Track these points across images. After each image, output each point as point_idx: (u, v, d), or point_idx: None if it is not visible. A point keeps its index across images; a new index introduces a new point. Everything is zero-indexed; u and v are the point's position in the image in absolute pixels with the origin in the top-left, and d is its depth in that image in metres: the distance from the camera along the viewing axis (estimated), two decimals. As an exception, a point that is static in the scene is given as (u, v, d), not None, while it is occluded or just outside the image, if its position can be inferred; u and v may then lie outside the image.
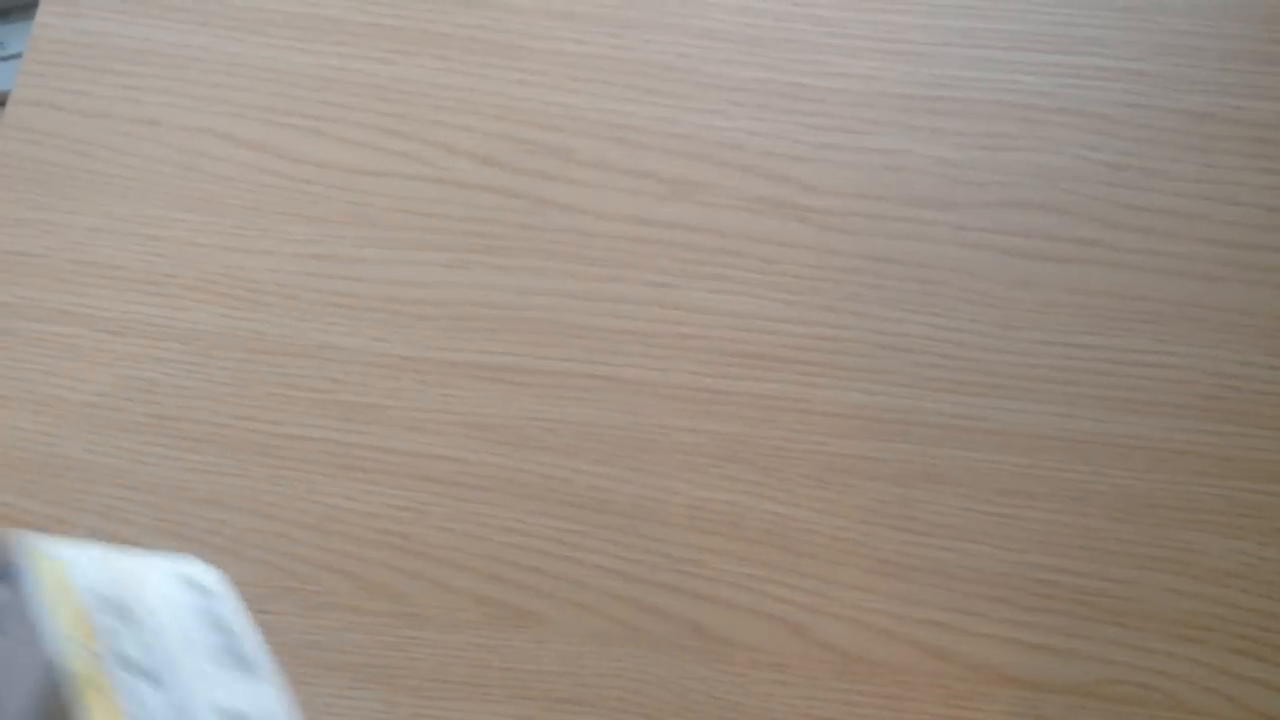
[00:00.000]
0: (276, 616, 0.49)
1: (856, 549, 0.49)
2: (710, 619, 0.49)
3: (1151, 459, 0.50)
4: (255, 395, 0.52)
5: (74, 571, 0.26)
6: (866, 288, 0.53)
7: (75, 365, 0.52)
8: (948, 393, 0.51)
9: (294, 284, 0.53)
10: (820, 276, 0.53)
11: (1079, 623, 0.48)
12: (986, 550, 0.49)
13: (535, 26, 0.57)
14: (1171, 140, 0.54)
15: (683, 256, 0.53)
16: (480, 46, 0.57)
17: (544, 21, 0.57)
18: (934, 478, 0.50)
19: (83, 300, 0.53)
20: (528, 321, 0.52)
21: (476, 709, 0.48)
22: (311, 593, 0.49)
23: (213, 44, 0.57)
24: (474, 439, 0.51)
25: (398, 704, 0.48)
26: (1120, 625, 0.48)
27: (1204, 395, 0.51)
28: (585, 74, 0.56)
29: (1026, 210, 0.53)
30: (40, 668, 0.24)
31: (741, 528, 0.50)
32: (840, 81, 0.56)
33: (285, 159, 0.55)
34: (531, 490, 0.50)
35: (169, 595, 0.27)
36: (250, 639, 0.27)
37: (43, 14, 0.57)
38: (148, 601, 0.26)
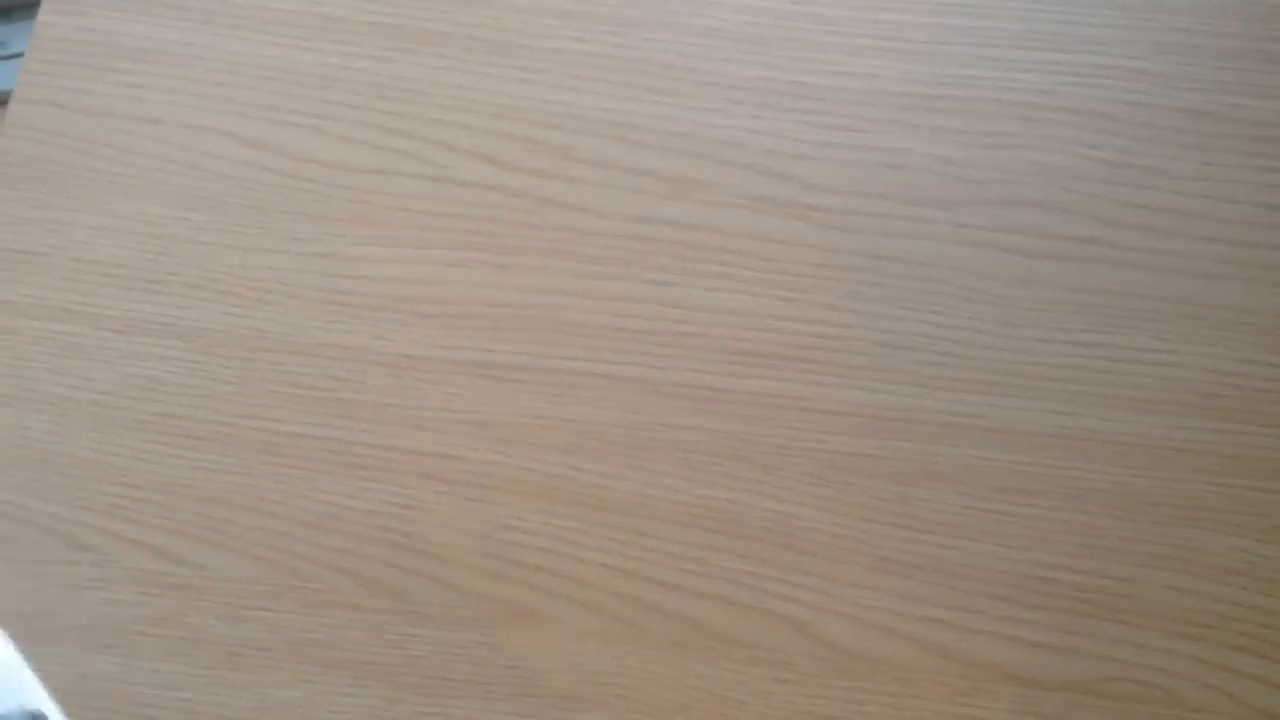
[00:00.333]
0: (278, 614, 0.49)
1: (857, 547, 0.49)
2: (711, 617, 0.49)
3: (1151, 456, 0.50)
4: (257, 393, 0.52)
5: None
6: (867, 286, 0.53)
7: (78, 363, 0.52)
8: (948, 390, 0.51)
9: (296, 282, 0.53)
10: (821, 275, 0.53)
11: (1079, 620, 0.48)
12: (987, 548, 0.49)
13: (535, 25, 0.57)
14: (1171, 138, 0.54)
15: (683, 255, 0.53)
16: (480, 45, 0.57)
17: (544, 20, 0.57)
18: (934, 475, 0.50)
19: (86, 299, 0.53)
20: (528, 319, 0.53)
21: (478, 706, 0.48)
22: (313, 590, 0.49)
23: (215, 42, 0.57)
24: (475, 437, 0.51)
25: (399, 701, 0.48)
26: (1120, 622, 0.48)
27: (1204, 393, 0.51)
28: (585, 72, 0.56)
29: (1026, 208, 0.54)
30: None
31: (742, 526, 0.50)
32: (841, 80, 0.56)
33: (287, 157, 0.55)
34: (533, 488, 0.50)
35: None
36: None
37: (45, 12, 0.57)
38: None
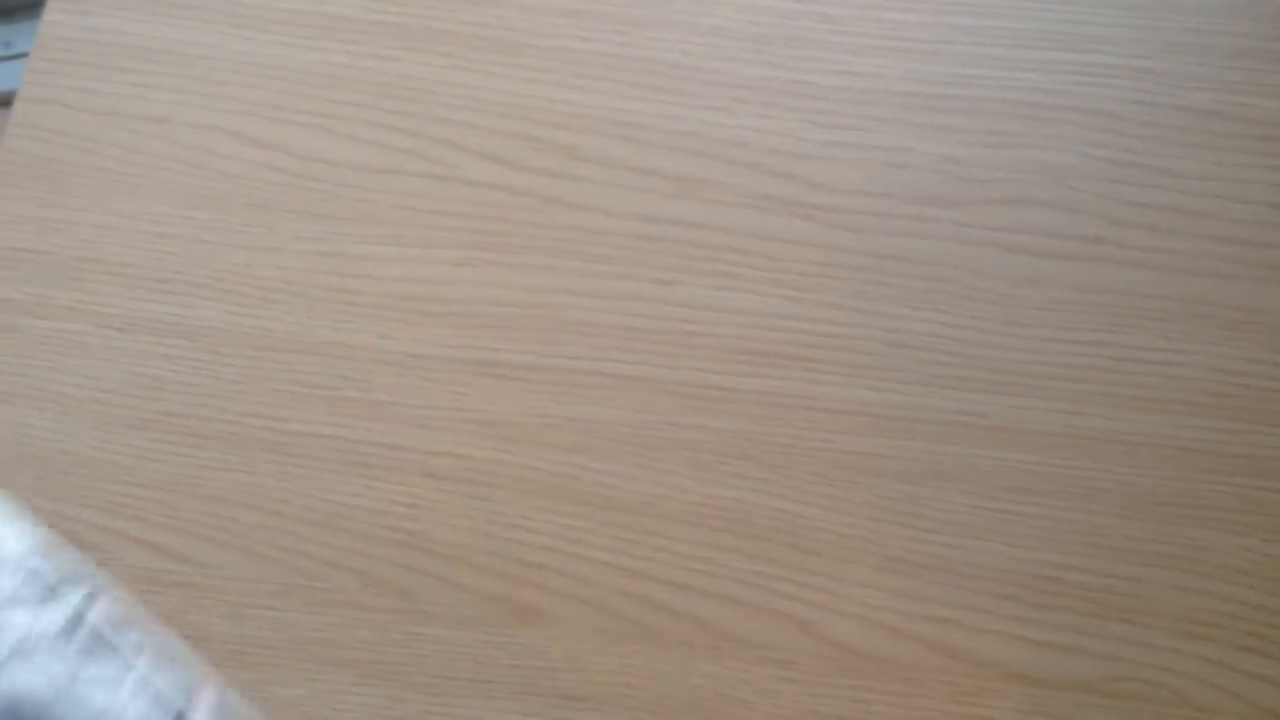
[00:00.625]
0: (284, 613, 0.49)
1: (864, 546, 0.49)
2: (718, 616, 0.49)
3: (1158, 456, 0.50)
4: (262, 392, 0.52)
5: None
6: (872, 285, 0.53)
7: (83, 362, 0.52)
8: (953, 390, 0.51)
9: (301, 281, 0.53)
10: (826, 274, 0.53)
11: (1086, 620, 0.48)
12: (993, 547, 0.49)
13: (541, 24, 0.57)
14: (1177, 138, 0.54)
15: (689, 254, 0.53)
16: (486, 44, 0.57)
17: (550, 19, 0.57)
18: (940, 475, 0.50)
19: (90, 297, 0.53)
20: (534, 319, 0.52)
21: (483, 705, 0.48)
22: (319, 589, 0.49)
23: (221, 42, 0.57)
24: (481, 436, 0.51)
25: (405, 700, 0.48)
26: (1127, 622, 0.48)
27: (1211, 392, 0.51)
28: (591, 72, 0.56)
29: (1032, 208, 0.54)
30: None
31: (749, 525, 0.50)
32: (845, 79, 0.56)
33: (293, 156, 0.55)
34: (538, 487, 0.50)
35: None
36: None
37: (50, 12, 0.57)
38: None
